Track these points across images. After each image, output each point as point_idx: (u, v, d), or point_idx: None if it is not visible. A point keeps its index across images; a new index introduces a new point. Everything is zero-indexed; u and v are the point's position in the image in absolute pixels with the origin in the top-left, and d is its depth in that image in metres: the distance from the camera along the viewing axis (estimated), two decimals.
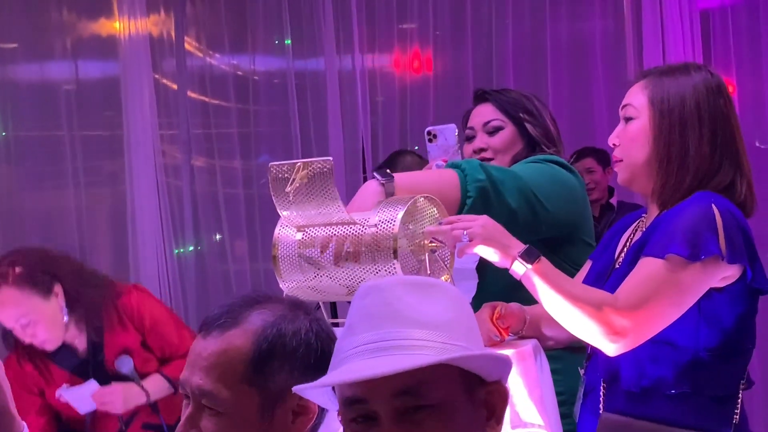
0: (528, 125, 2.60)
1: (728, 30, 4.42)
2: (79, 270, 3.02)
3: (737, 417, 2.02)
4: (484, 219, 2.00)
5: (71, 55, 4.49)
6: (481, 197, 2.21)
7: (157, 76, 4.53)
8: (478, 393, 1.24)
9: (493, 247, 1.96)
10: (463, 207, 2.21)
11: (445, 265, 2.29)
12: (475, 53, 4.54)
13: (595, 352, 2.08)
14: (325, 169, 2.04)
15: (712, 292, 1.96)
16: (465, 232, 1.98)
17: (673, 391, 1.99)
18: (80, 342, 2.97)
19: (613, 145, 2.12)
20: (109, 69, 4.53)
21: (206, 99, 4.56)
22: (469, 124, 2.68)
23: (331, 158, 2.00)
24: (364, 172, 4.56)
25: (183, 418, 1.40)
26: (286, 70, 4.56)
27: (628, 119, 2.09)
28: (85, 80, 4.53)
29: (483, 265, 2.40)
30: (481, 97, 2.69)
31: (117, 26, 4.45)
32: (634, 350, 1.97)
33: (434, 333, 1.21)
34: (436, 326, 1.21)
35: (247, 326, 1.41)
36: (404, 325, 1.20)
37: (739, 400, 2.03)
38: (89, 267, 3.15)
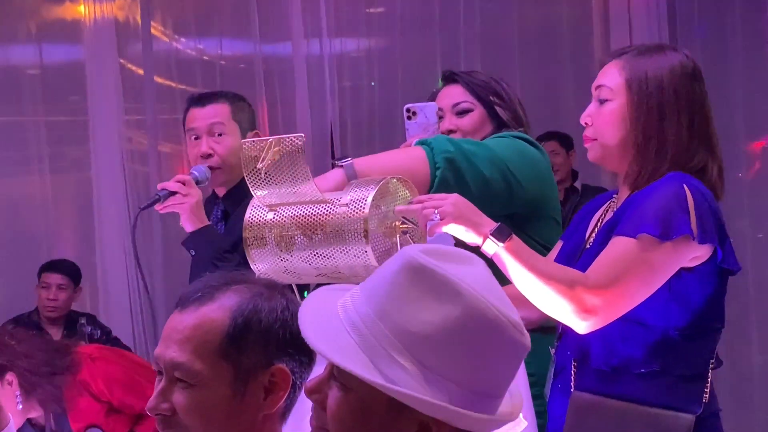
0: (497, 108, 2.61)
1: (693, 12, 4.45)
2: (33, 352, 2.97)
3: (707, 396, 2.03)
4: (455, 197, 2.00)
5: (35, 39, 4.47)
6: (450, 168, 2.21)
7: (122, 60, 4.51)
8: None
9: (464, 226, 1.96)
10: (433, 181, 2.21)
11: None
12: (443, 37, 4.54)
13: (566, 332, 2.09)
14: (297, 146, 2.04)
15: (682, 271, 1.97)
16: (436, 211, 1.98)
17: (642, 370, 2.00)
18: (45, 419, 2.96)
19: (585, 124, 2.10)
20: (74, 53, 4.52)
21: (173, 84, 4.54)
22: (437, 104, 2.69)
23: (303, 135, 2.00)
24: (333, 158, 4.56)
25: (154, 393, 1.40)
26: (254, 54, 4.54)
27: (603, 101, 2.06)
28: (49, 65, 4.51)
29: (457, 246, 2.41)
30: (449, 78, 2.70)
31: (82, 10, 4.43)
32: (604, 329, 1.99)
33: (390, 338, 1.17)
34: (403, 333, 1.17)
35: (224, 301, 1.42)
36: (378, 315, 1.18)
37: (709, 380, 2.05)
38: (44, 339, 3.08)
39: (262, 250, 2.26)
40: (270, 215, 2.25)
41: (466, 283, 1.17)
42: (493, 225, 1.95)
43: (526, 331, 1.19)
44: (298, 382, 1.43)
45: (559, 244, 2.25)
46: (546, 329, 2.30)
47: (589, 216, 2.22)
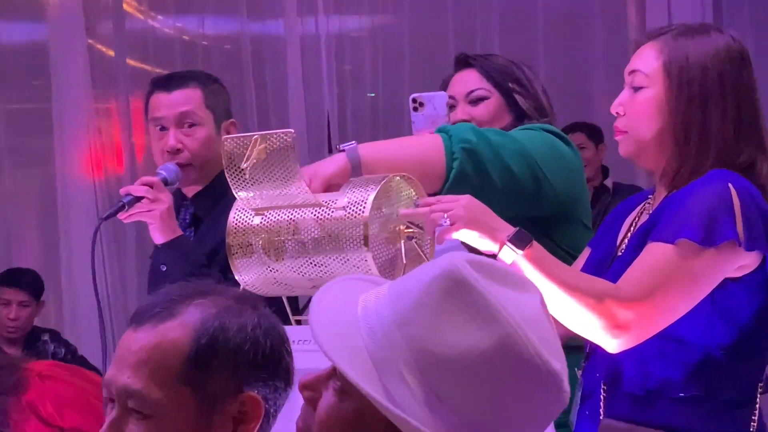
0: (517, 96, 2.61)
1: None
2: None
3: (755, 424, 2.03)
4: (467, 199, 1.99)
5: None
6: (470, 160, 2.21)
7: (91, 41, 4.51)
8: None
9: (478, 231, 1.96)
10: (448, 174, 2.21)
11: (424, 254, 2.30)
12: (456, 16, 4.54)
13: (595, 351, 2.09)
14: (286, 143, 2.04)
15: (727, 282, 1.97)
16: (445, 215, 1.97)
17: (682, 394, 2.00)
18: None
19: (617, 113, 2.09)
20: (37, 33, 4.53)
21: (148, 67, 4.55)
22: (449, 92, 2.68)
23: (292, 130, 2.00)
24: (330, 150, 4.56)
25: (105, 423, 1.37)
26: (240, 34, 4.56)
27: (637, 88, 2.06)
28: (8, 46, 4.52)
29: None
30: (463, 62, 2.69)
31: None
32: (638, 348, 1.98)
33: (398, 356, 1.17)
34: (421, 350, 1.16)
35: (186, 318, 1.37)
36: (399, 322, 1.18)
37: (757, 406, 2.04)
38: None
39: (249, 259, 2.26)
40: (257, 219, 2.25)
41: (508, 312, 1.15)
42: (511, 230, 1.94)
43: (566, 386, 1.18)
44: (271, 411, 1.40)
45: (586, 252, 2.25)
46: (571, 348, 2.27)
47: (622, 219, 2.21)
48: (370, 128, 4.53)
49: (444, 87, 2.69)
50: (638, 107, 2.05)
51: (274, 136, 2.03)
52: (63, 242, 4.38)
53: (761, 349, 2.03)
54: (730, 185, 1.95)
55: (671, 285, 1.94)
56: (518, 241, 1.93)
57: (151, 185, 2.57)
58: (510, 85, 2.63)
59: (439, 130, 2.27)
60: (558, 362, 1.15)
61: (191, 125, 2.76)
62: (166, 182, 2.62)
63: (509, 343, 1.14)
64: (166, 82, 2.83)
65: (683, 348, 2.00)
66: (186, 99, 2.76)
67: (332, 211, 2.17)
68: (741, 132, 2.01)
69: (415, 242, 2.25)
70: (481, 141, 2.25)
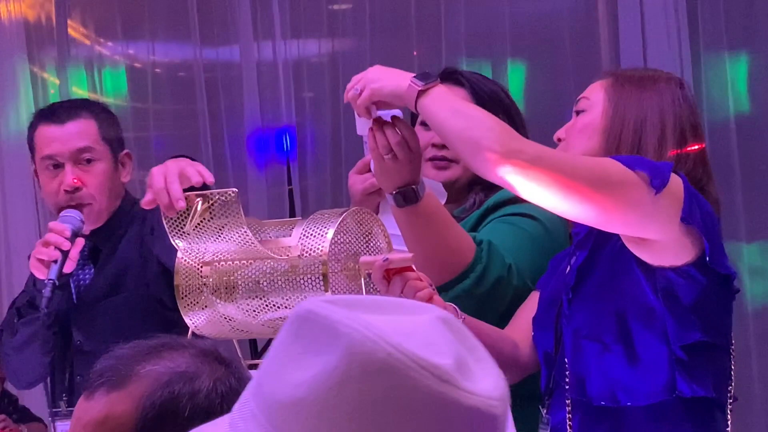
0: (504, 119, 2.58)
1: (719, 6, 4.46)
2: None
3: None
4: (373, 67, 2.15)
5: None
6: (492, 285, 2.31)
7: (35, 68, 4.49)
8: None
9: (385, 86, 2.09)
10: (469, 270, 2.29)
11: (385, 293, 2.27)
12: (421, 39, 4.53)
13: (558, 385, 2.17)
14: (229, 201, 2.03)
15: (668, 272, 2.06)
16: (357, 88, 2.12)
17: (652, 401, 2.07)
18: None
19: (558, 140, 2.21)
20: None
21: (95, 96, 4.50)
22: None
23: (235, 189, 1.99)
24: (290, 183, 4.52)
25: None
26: (193, 60, 4.54)
27: (579, 112, 2.20)
28: None
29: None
30: (453, 77, 2.62)
31: None
32: (600, 363, 2.09)
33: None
34: (271, 407, 1.03)
35: (135, 387, 1.33)
36: (253, 389, 1.07)
37: (729, 411, 2.14)
38: None
39: (198, 300, 2.23)
40: (208, 256, 2.22)
41: (349, 326, 0.97)
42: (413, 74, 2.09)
43: (467, 384, 0.98)
44: None
45: (535, 294, 2.32)
46: (528, 397, 2.30)
47: (566, 261, 2.28)
48: (330, 158, 4.50)
49: None
50: (577, 128, 2.19)
51: (215, 195, 2.03)
52: (4, 274, 4.33)
53: (716, 349, 2.12)
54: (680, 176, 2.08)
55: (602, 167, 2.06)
56: (423, 79, 2.07)
57: (61, 234, 2.51)
58: (500, 115, 2.58)
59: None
60: (445, 357, 0.98)
61: (89, 161, 2.68)
62: (75, 234, 2.55)
63: (358, 352, 0.96)
64: (55, 114, 2.75)
65: (645, 356, 2.09)
66: (81, 132, 2.69)
67: (284, 258, 2.15)
68: (690, 159, 2.16)
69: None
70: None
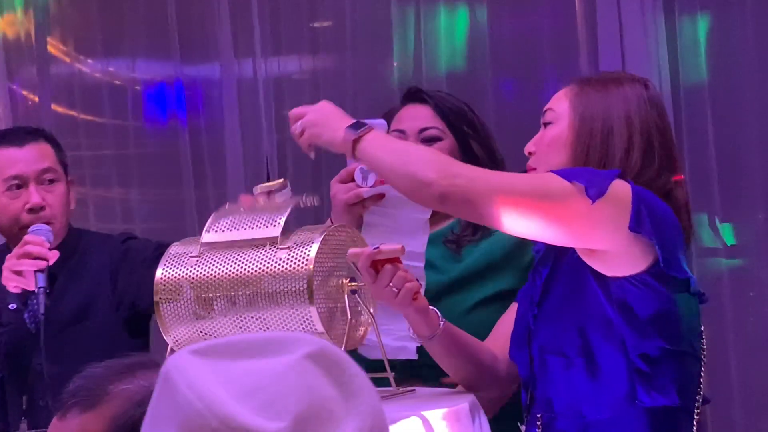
0: (471, 141, 2.59)
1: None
2: None
3: None
4: (322, 104, 2.23)
5: None
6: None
7: (13, 86, 4.49)
8: None
9: (323, 134, 2.18)
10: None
11: (367, 309, 2.28)
12: (402, 55, 4.54)
13: (534, 400, 2.20)
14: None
15: (623, 282, 2.08)
16: (299, 123, 2.21)
17: (618, 409, 2.09)
18: None
19: (529, 153, 2.24)
20: None
21: (75, 114, 4.52)
22: (398, 126, 2.65)
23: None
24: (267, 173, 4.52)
25: None
26: (173, 78, 4.55)
27: (546, 124, 2.23)
28: None
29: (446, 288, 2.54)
30: (416, 96, 2.66)
31: None
32: (565, 378, 2.11)
33: None
34: None
35: (108, 406, 1.31)
36: None
37: (695, 418, 2.15)
38: None
39: (178, 317, 2.23)
40: (188, 271, 2.23)
41: (185, 396, 0.97)
42: (350, 120, 2.16)
43: None
44: None
45: (514, 306, 2.37)
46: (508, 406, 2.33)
47: (534, 276, 2.31)
48: (311, 176, 4.50)
49: (389, 119, 2.67)
50: (546, 142, 2.22)
51: None
52: None
53: (680, 355, 2.12)
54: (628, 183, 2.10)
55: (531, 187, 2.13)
56: (355, 128, 2.14)
57: (44, 247, 2.57)
58: (464, 128, 2.60)
59: None
60: (277, 421, 0.96)
61: (51, 181, 2.77)
62: (49, 241, 2.63)
63: (187, 417, 0.97)
64: (12, 137, 2.82)
65: (601, 373, 2.11)
66: (42, 154, 2.79)
67: (272, 263, 2.16)
68: (651, 165, 2.17)
69: (358, 296, 2.24)
70: None
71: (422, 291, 2.34)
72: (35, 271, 2.50)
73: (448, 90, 4.30)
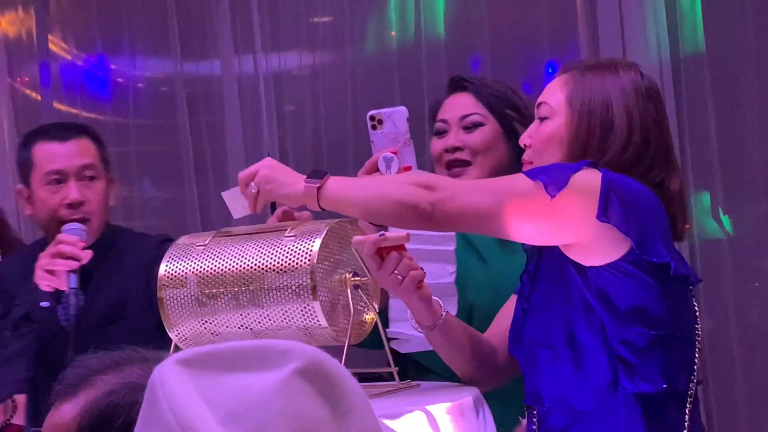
0: (516, 125, 2.59)
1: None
2: None
3: (688, 419, 2.12)
4: (268, 161, 2.24)
5: None
6: None
7: (15, 84, 4.50)
8: None
9: (278, 189, 2.18)
10: None
11: (370, 303, 2.29)
12: (401, 50, 4.54)
13: (534, 399, 2.20)
14: None
15: (600, 271, 2.09)
16: (255, 188, 2.19)
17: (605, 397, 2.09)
18: None
19: (525, 145, 2.24)
20: None
21: (76, 111, 4.52)
22: (441, 116, 2.67)
23: None
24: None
25: None
26: (174, 74, 4.55)
27: (542, 119, 2.22)
28: None
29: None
30: (458, 85, 2.68)
31: None
32: (553, 370, 2.12)
33: None
34: None
35: (83, 396, 1.32)
36: None
37: (689, 400, 2.14)
38: None
39: (181, 310, 2.24)
40: (190, 265, 2.23)
41: (168, 422, 0.95)
42: (302, 175, 2.18)
43: None
44: None
45: (513, 298, 2.37)
46: (507, 396, 2.34)
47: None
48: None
49: (434, 112, 2.69)
50: (542, 137, 2.21)
51: None
52: None
53: (669, 339, 2.12)
54: (600, 172, 2.10)
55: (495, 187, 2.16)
56: (314, 177, 2.15)
57: (78, 247, 2.56)
58: (507, 111, 2.60)
59: None
60: None
61: (91, 178, 2.75)
62: (83, 240, 2.61)
63: None
64: (55, 132, 2.80)
65: (585, 363, 2.11)
66: (84, 150, 2.77)
67: (275, 257, 2.17)
68: (646, 158, 2.17)
69: (362, 291, 2.25)
70: None
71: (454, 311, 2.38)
72: (68, 272, 2.50)
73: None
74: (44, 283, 2.54)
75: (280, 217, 2.32)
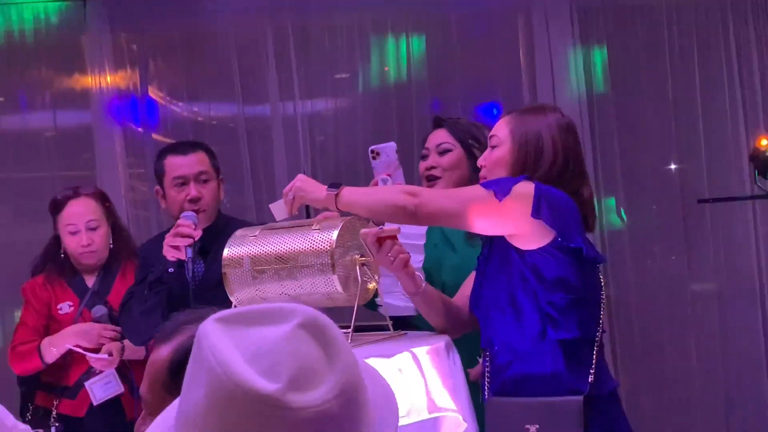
0: (475, 151, 2.60)
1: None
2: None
3: (595, 358, 2.08)
4: (299, 177, 2.24)
5: (50, 106, 4.45)
6: None
7: (125, 121, 4.47)
8: None
9: (310, 195, 2.19)
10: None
11: (372, 277, 2.29)
12: (398, 98, 4.56)
13: (487, 344, 2.18)
14: None
15: (533, 253, 2.07)
16: (291, 195, 2.22)
17: (535, 344, 2.07)
18: (92, 280, 3.10)
19: (481, 166, 2.23)
20: (83, 117, 4.51)
21: (168, 140, 4.48)
22: (425, 146, 2.70)
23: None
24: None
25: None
26: (237, 116, 4.53)
27: (493, 147, 2.20)
28: (63, 128, 4.50)
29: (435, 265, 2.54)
30: (437, 122, 2.71)
31: (89, 81, 4.44)
32: (502, 324, 2.10)
33: None
34: (180, 415, 0.97)
35: (176, 339, 1.32)
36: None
37: (596, 342, 2.11)
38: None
39: (240, 283, 2.25)
40: (245, 249, 2.24)
41: (216, 354, 0.93)
42: (324, 186, 2.21)
43: (294, 399, 0.91)
44: None
45: (473, 274, 2.34)
46: (466, 339, 2.35)
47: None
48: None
49: (423, 143, 2.71)
50: (492, 160, 2.21)
51: None
52: None
53: (583, 301, 2.09)
54: (533, 184, 2.10)
55: (462, 193, 2.17)
56: (333, 187, 2.18)
57: (192, 228, 2.55)
58: (470, 141, 2.62)
59: None
60: (275, 382, 0.91)
61: (205, 180, 2.76)
62: (195, 224, 2.58)
63: (215, 381, 0.92)
64: (180, 148, 2.82)
65: (523, 319, 2.09)
66: (200, 161, 2.79)
67: (305, 243, 2.17)
68: (566, 174, 2.16)
69: (366, 268, 2.25)
70: None
71: (419, 261, 2.37)
72: (185, 246, 2.51)
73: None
74: (169, 255, 2.55)
75: (322, 217, 2.32)
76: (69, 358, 3.03)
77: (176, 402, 1.03)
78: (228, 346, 0.93)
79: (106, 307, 3.03)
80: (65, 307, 3.08)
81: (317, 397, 0.91)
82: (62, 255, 3.12)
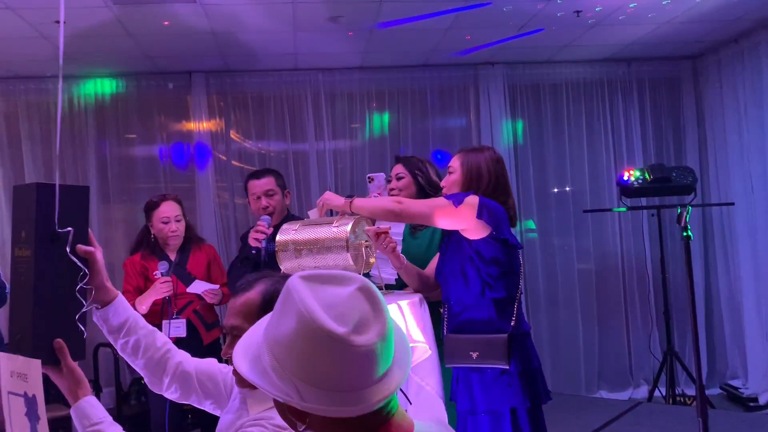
0: (420, 179, 2.58)
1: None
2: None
3: (515, 312, 2.07)
4: (326, 193, 2.21)
5: (165, 141, 4.41)
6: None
7: (217, 153, 4.45)
8: None
9: (333, 204, 2.17)
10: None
11: (373, 254, 2.27)
12: (392, 140, 4.52)
13: (446, 300, 2.14)
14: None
15: (478, 242, 2.04)
16: (321, 203, 2.19)
17: (475, 301, 2.05)
18: (173, 256, 3.02)
19: (443, 186, 2.22)
20: (188, 149, 4.45)
21: (242, 166, 4.48)
22: (390, 174, 2.67)
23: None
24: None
25: (224, 346, 1.33)
26: (287, 150, 4.49)
27: (450, 173, 2.20)
28: (175, 155, 4.44)
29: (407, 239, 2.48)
30: (397, 159, 2.69)
31: (192, 125, 4.39)
32: (453, 293, 2.06)
33: None
34: (269, 337, 0.93)
35: (258, 287, 1.31)
36: (265, 328, 0.96)
37: (516, 302, 2.08)
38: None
39: (287, 258, 2.22)
40: (290, 237, 2.22)
41: (304, 303, 0.90)
42: (342, 196, 2.16)
43: (356, 339, 0.89)
44: None
45: (436, 256, 2.29)
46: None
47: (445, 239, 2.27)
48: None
49: (391, 170, 2.67)
50: (450, 182, 2.17)
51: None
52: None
53: (508, 273, 2.05)
54: (477, 197, 2.06)
55: (432, 202, 2.09)
56: (348, 198, 2.12)
57: (265, 227, 2.51)
58: (417, 171, 2.59)
59: None
60: (344, 327, 0.89)
61: (272, 195, 2.74)
62: (269, 224, 2.54)
63: (304, 323, 0.90)
64: (257, 174, 2.83)
65: (470, 283, 2.06)
66: (268, 182, 2.75)
67: (328, 233, 2.14)
68: (498, 190, 2.13)
69: (369, 250, 2.22)
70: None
71: (399, 248, 2.32)
72: (262, 239, 2.50)
73: (413, 151, 4.29)
74: (252, 243, 2.54)
75: (340, 217, 2.27)
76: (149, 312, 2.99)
77: (255, 327, 0.98)
78: (310, 297, 0.90)
79: (184, 272, 2.97)
80: (158, 273, 3.04)
81: (369, 338, 0.89)
82: (153, 239, 3.04)
